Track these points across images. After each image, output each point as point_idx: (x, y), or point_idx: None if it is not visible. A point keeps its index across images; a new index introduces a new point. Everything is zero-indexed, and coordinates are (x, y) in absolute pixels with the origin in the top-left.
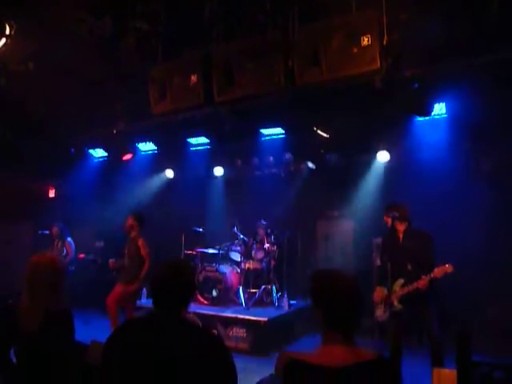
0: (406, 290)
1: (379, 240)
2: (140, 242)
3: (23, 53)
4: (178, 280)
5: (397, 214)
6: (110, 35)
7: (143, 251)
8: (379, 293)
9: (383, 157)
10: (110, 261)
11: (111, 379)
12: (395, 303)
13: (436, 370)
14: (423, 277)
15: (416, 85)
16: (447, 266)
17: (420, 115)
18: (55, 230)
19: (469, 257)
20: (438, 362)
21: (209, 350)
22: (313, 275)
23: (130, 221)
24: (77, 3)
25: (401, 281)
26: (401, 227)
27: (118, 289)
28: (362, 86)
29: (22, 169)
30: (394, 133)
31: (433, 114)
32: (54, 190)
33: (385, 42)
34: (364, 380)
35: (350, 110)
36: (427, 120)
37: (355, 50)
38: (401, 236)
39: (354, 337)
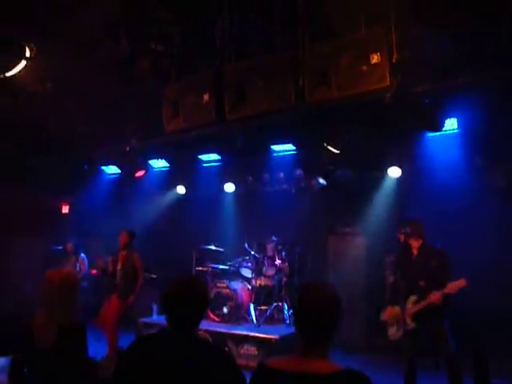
0: (418, 306)
1: (392, 257)
2: (135, 257)
3: (41, 73)
4: (192, 297)
5: (409, 231)
6: (125, 56)
7: (138, 265)
8: (391, 312)
9: (394, 172)
10: (98, 260)
11: None
12: (408, 321)
13: None
14: (434, 292)
15: (427, 100)
16: (460, 280)
17: (431, 131)
18: (69, 245)
19: (481, 273)
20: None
21: (222, 369)
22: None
23: (126, 238)
24: (95, 25)
25: (413, 298)
26: (414, 243)
27: (116, 306)
28: (372, 103)
29: (37, 185)
30: (406, 148)
31: (444, 129)
32: (67, 206)
33: (394, 60)
34: None
35: (361, 125)
36: (439, 135)
37: (364, 68)
38: (414, 252)
39: (323, 349)
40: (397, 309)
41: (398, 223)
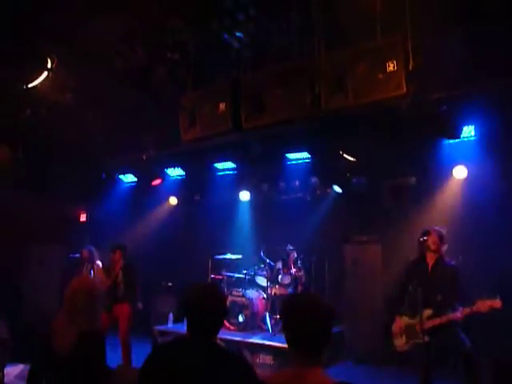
0: (437, 321)
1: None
2: (133, 269)
3: (61, 84)
4: (214, 304)
5: (428, 241)
6: (142, 66)
7: (135, 277)
8: (399, 323)
9: (411, 180)
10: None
11: None
12: (421, 335)
13: None
14: (462, 309)
15: (444, 107)
16: (497, 300)
17: (449, 138)
18: (85, 253)
19: (507, 282)
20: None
21: (241, 376)
22: (286, 297)
23: (119, 255)
24: (111, 36)
25: (429, 311)
26: (430, 255)
27: (127, 313)
28: (389, 110)
29: (55, 193)
30: (422, 156)
31: (462, 136)
32: (85, 215)
33: (410, 67)
34: None
35: (377, 133)
36: (456, 143)
37: (381, 76)
38: (430, 264)
39: (313, 360)
40: (405, 319)
41: (422, 231)
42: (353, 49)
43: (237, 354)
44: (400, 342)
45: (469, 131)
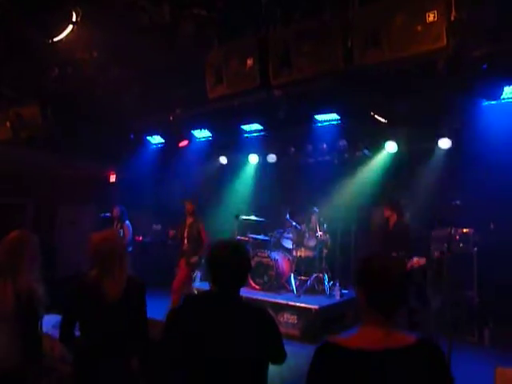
0: None
1: (438, 231)
2: (201, 227)
3: (87, 41)
4: (237, 258)
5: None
6: (168, 23)
7: (203, 234)
8: None
9: (445, 143)
10: (170, 231)
11: (172, 353)
12: None
13: (499, 370)
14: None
15: (485, 66)
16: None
17: (488, 99)
18: (116, 211)
19: None
20: None
21: (263, 328)
22: (363, 258)
23: (190, 206)
24: None
25: None
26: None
27: (184, 271)
28: (425, 67)
29: (85, 154)
30: (459, 118)
31: (502, 97)
32: (114, 175)
33: (452, 18)
34: (405, 364)
35: (411, 93)
36: (495, 104)
37: (419, 28)
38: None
39: (395, 320)
40: None
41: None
42: (389, 0)
43: (260, 307)
44: None
45: (510, 92)
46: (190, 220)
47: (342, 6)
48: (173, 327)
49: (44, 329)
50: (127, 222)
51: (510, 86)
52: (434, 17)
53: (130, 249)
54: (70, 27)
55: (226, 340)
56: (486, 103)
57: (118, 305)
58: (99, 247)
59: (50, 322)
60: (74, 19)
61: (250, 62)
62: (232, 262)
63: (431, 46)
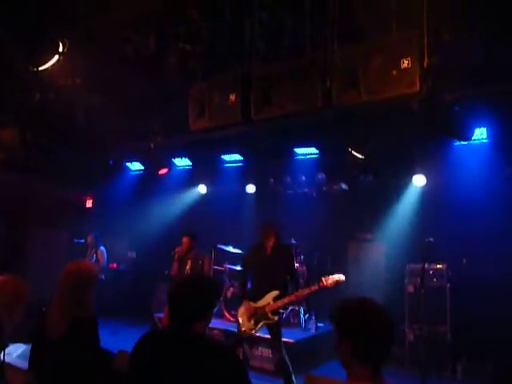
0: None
1: (412, 265)
2: (206, 260)
3: (71, 68)
4: (190, 295)
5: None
6: (153, 54)
7: (207, 268)
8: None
9: (419, 181)
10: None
11: None
12: (270, 316)
13: None
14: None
15: (456, 108)
16: (341, 275)
17: (460, 139)
18: (90, 238)
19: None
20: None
21: (220, 365)
22: (342, 303)
23: (187, 241)
24: (124, 23)
25: (275, 293)
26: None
27: None
28: (400, 109)
29: (62, 179)
30: (432, 157)
31: (473, 138)
32: (91, 201)
33: (425, 65)
34: None
35: (387, 131)
36: (466, 145)
37: (394, 73)
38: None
39: (381, 372)
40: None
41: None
42: (367, 43)
43: (216, 344)
44: (248, 326)
45: (480, 133)
46: (190, 255)
47: (322, 45)
48: (131, 363)
49: (7, 358)
50: (102, 247)
51: (480, 127)
52: (408, 64)
53: (103, 277)
54: (56, 57)
55: (175, 377)
56: (457, 143)
57: (62, 341)
58: (61, 278)
59: (15, 352)
60: (60, 50)
61: (232, 97)
62: (184, 298)
63: (406, 91)
